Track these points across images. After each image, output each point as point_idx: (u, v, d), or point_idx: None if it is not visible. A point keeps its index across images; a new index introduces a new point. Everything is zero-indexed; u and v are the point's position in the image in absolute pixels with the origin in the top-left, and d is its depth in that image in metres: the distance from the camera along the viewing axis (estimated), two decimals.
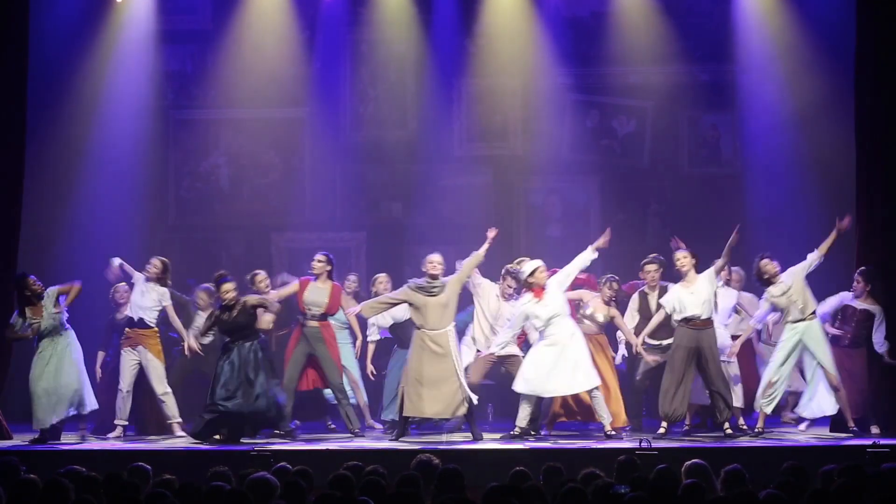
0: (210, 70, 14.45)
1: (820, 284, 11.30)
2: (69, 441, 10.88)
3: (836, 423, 10.99)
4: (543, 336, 10.69)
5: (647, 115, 14.57)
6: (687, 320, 10.67)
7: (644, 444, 9.70)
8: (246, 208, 14.60)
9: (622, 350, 11.66)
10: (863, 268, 11.25)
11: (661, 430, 10.76)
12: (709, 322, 10.70)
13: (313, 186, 14.60)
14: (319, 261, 11.52)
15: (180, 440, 10.94)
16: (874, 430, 10.92)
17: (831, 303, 11.38)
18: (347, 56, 14.61)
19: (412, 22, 14.30)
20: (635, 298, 11.61)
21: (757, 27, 13.89)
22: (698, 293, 10.66)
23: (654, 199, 14.55)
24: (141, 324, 11.26)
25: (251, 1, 14.11)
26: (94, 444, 10.63)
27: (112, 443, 10.92)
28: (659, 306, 11.09)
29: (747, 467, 7.05)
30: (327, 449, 10.15)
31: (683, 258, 10.81)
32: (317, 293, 11.39)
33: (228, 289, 10.94)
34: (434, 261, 10.96)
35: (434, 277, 10.87)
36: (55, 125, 13.59)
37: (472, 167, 14.59)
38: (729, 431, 10.67)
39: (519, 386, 10.70)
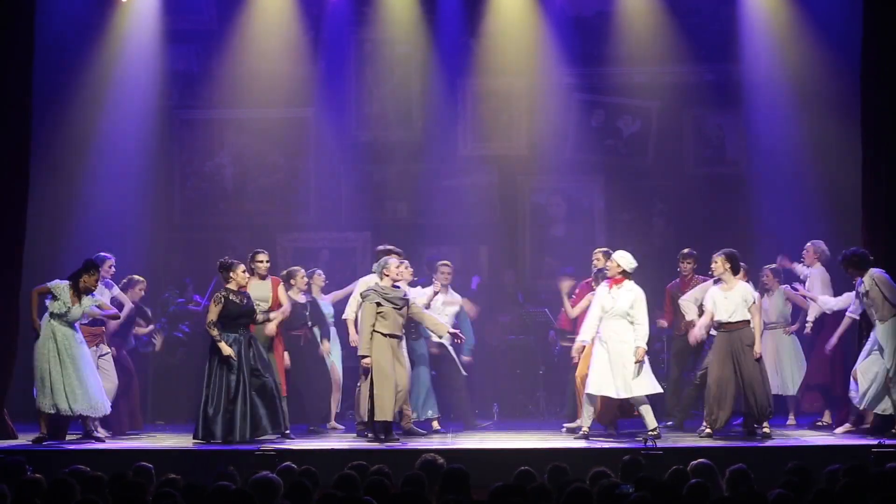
0: (215, 70, 14.47)
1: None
2: (74, 441, 10.86)
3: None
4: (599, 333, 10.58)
5: (651, 114, 14.56)
6: (720, 324, 10.67)
7: (649, 444, 9.67)
8: (251, 208, 14.60)
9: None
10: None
11: (766, 430, 10.61)
12: (741, 324, 10.62)
13: (318, 186, 14.61)
14: (267, 261, 11.30)
15: (183, 440, 10.89)
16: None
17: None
18: (352, 56, 14.63)
19: (417, 21, 14.31)
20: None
21: (762, 27, 13.87)
22: (732, 297, 10.63)
23: (658, 199, 14.55)
24: None
25: (256, 1, 14.13)
26: (99, 443, 10.61)
27: (117, 443, 10.92)
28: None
29: (752, 467, 7.05)
30: (332, 449, 10.12)
31: (715, 263, 10.77)
32: (260, 289, 11.09)
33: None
34: None
35: None
36: (60, 125, 13.60)
37: (476, 167, 14.59)
38: (766, 431, 10.56)
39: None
